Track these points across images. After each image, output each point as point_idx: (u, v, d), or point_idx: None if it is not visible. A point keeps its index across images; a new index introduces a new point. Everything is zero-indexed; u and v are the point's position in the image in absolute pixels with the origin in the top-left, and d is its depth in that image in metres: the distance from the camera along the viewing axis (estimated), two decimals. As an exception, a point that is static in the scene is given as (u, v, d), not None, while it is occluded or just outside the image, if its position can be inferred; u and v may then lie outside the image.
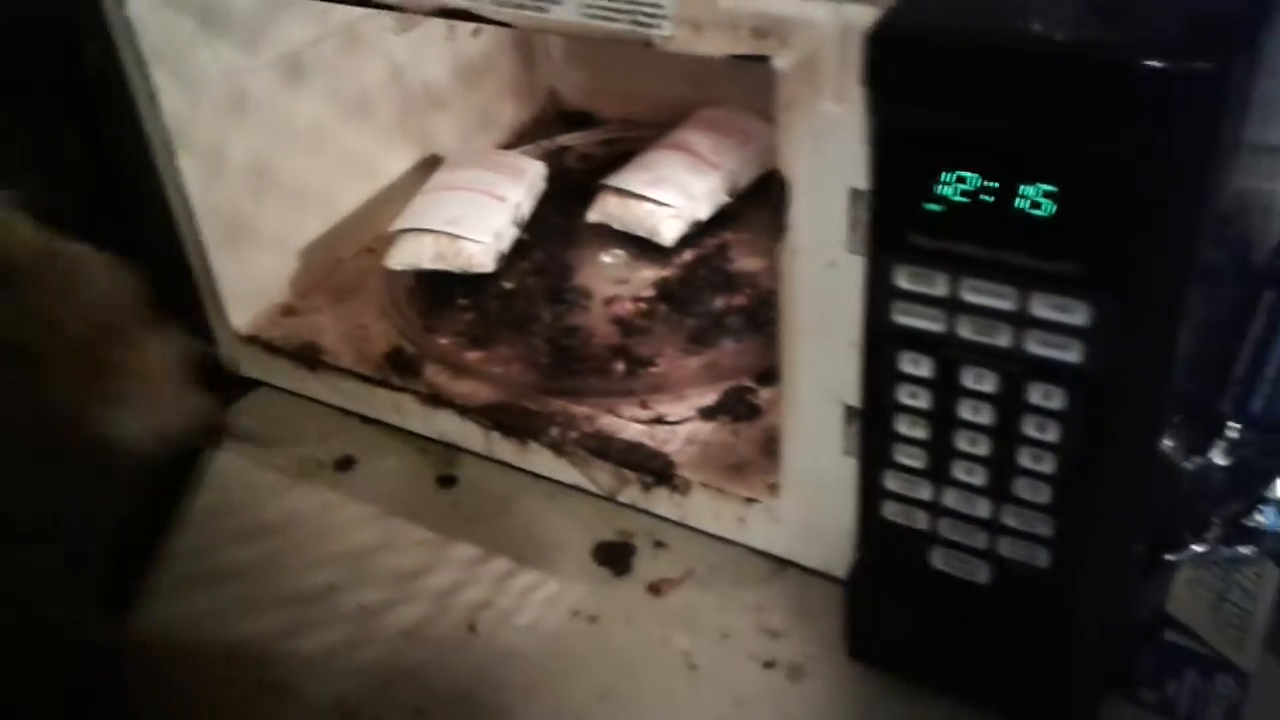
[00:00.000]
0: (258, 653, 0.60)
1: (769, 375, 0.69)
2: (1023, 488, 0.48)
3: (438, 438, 0.72)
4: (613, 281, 0.79)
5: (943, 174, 0.42)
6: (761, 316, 0.74)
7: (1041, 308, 0.43)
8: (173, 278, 0.74)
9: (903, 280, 0.45)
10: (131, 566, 0.63)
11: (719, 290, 0.77)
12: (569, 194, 0.85)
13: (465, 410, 0.70)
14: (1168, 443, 0.53)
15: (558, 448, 0.68)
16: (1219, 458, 0.55)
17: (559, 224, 0.84)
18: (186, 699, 0.58)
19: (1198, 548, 0.52)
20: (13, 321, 0.56)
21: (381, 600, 0.63)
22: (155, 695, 0.57)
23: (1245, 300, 0.68)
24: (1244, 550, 0.52)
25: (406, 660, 0.60)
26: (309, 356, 0.76)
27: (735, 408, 0.69)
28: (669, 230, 0.79)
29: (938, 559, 0.51)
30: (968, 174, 0.41)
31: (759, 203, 0.81)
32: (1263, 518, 0.52)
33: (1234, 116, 0.40)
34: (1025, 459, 0.47)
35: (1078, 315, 0.42)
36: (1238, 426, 0.54)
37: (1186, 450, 0.55)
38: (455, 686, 0.59)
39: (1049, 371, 0.44)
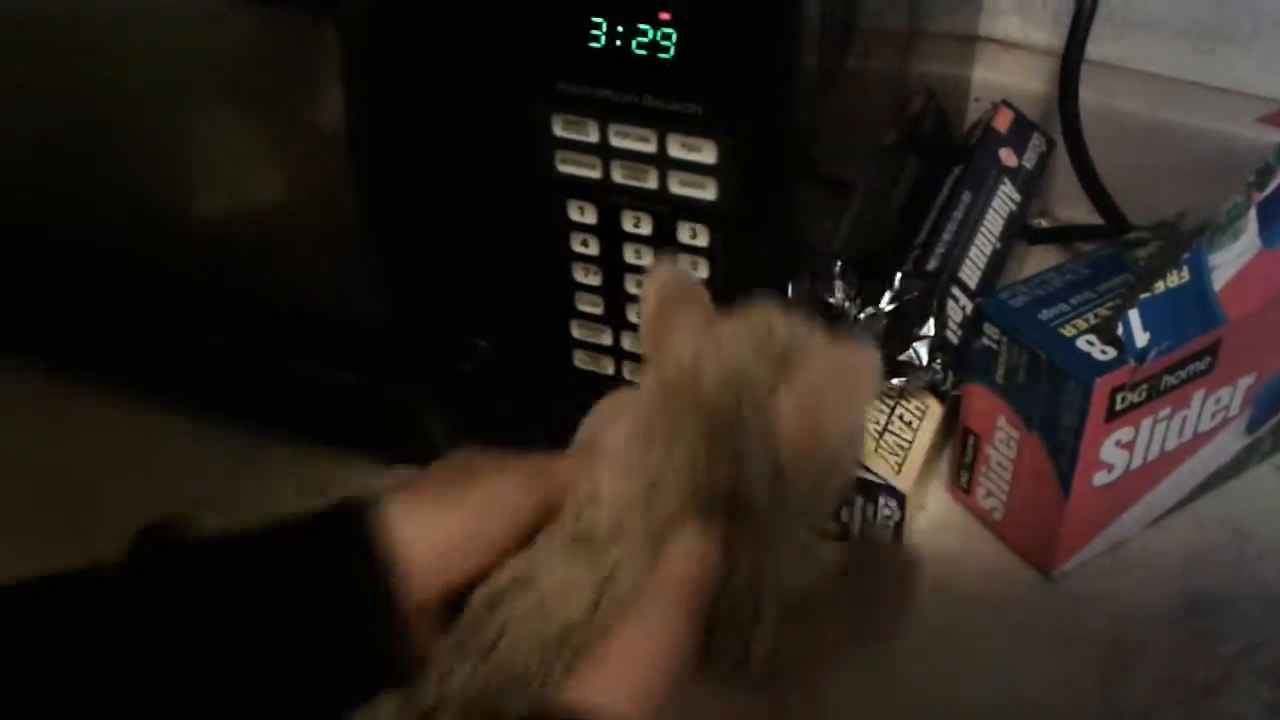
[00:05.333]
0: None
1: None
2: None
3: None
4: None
5: (577, 20, 0.45)
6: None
7: (677, 149, 0.47)
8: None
9: (559, 129, 0.48)
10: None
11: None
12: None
13: None
14: (837, 294, 0.59)
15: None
16: (885, 305, 0.60)
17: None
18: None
19: (858, 384, 0.57)
20: None
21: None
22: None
23: (937, 175, 0.74)
24: (895, 382, 0.58)
25: None
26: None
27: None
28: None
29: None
30: (598, 18, 0.45)
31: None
32: (912, 353, 0.58)
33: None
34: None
35: (707, 154, 0.46)
36: (899, 275, 0.60)
37: (861, 303, 0.60)
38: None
39: (693, 210, 0.48)
